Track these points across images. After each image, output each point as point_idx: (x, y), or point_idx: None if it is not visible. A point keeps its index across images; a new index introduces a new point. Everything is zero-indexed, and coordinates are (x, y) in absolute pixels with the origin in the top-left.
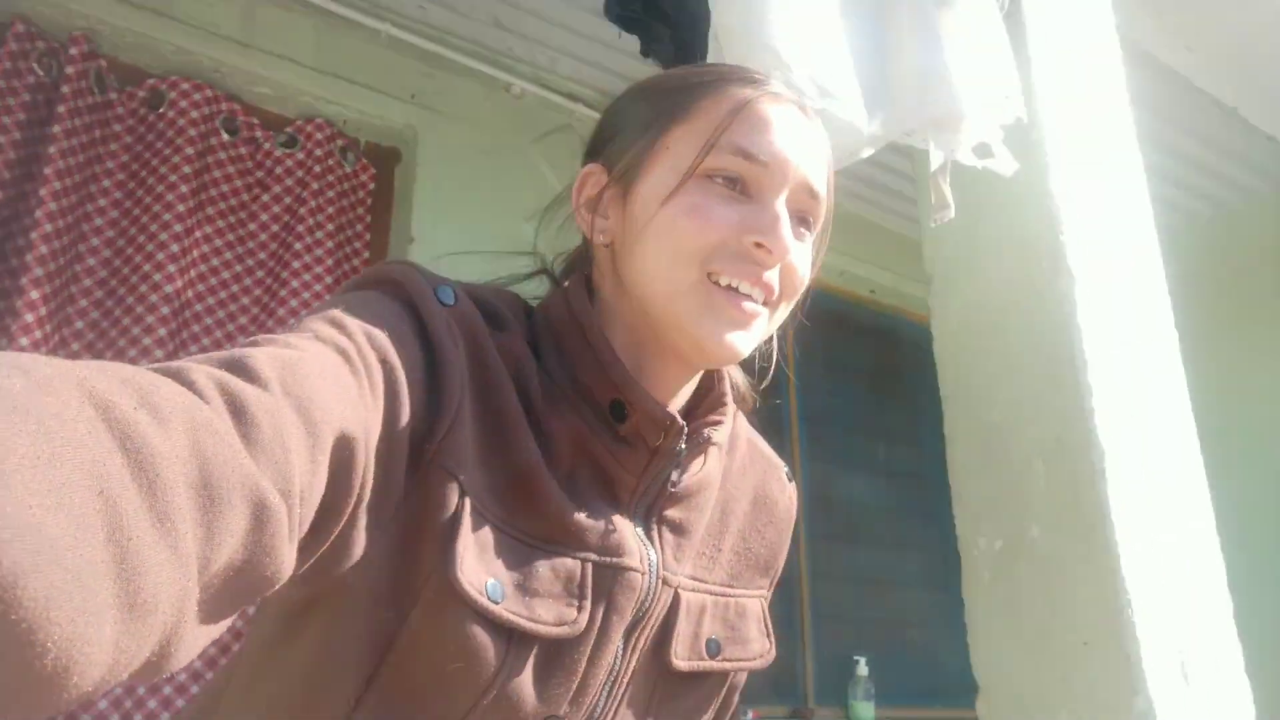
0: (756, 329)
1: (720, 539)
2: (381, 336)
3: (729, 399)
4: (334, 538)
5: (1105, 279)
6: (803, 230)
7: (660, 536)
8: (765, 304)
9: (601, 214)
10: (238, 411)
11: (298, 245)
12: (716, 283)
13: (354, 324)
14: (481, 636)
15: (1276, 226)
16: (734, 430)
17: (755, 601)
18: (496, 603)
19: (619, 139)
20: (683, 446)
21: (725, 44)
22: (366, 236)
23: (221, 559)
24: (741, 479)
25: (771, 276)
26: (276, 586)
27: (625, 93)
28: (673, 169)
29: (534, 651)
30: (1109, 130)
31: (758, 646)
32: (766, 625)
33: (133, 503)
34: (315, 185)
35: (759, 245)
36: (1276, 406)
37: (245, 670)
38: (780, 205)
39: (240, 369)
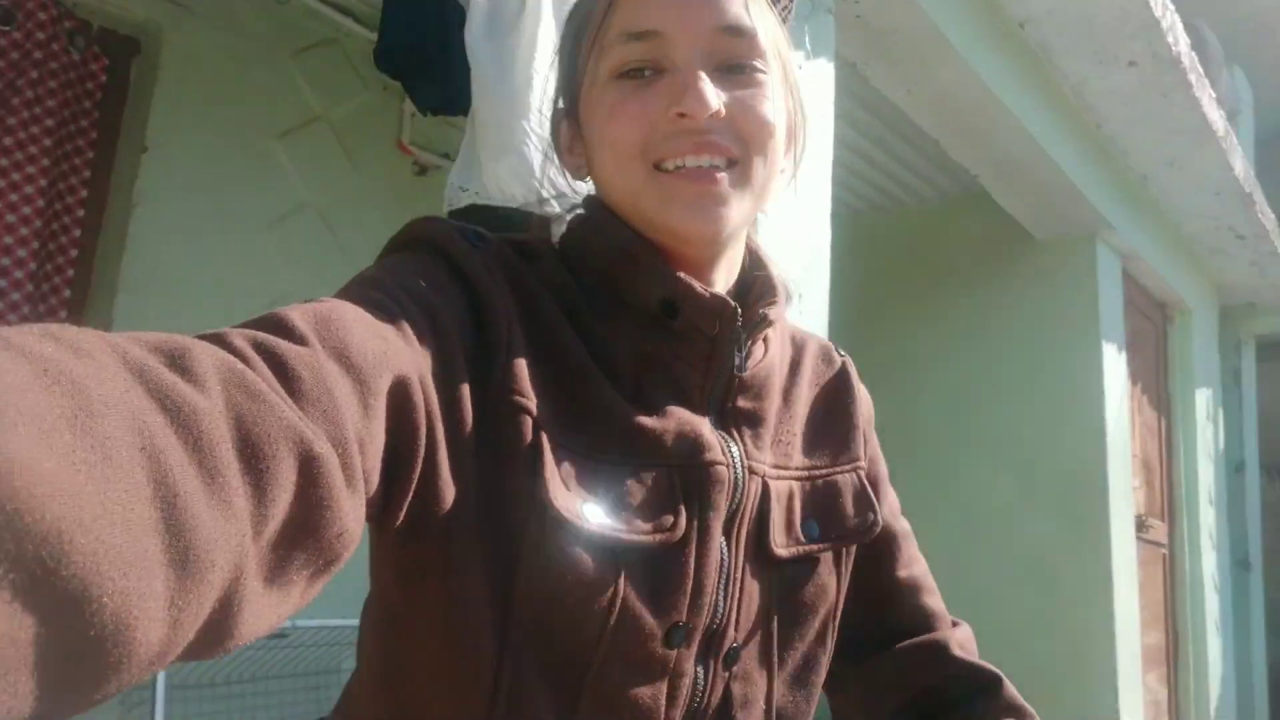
0: (729, 193)
1: (792, 424)
2: (418, 287)
3: (777, 282)
4: (416, 486)
5: None
6: (743, 74)
7: (737, 428)
8: (731, 163)
9: (575, 152)
10: (276, 366)
11: (8, 140)
12: (665, 169)
13: (388, 281)
14: (591, 561)
15: (961, 223)
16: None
17: (847, 476)
18: (596, 525)
19: (560, 80)
20: (741, 330)
21: (481, 135)
22: (93, 135)
23: (277, 514)
24: (798, 364)
25: (718, 136)
26: (350, 547)
27: None
28: (591, 83)
29: (643, 565)
30: (811, 195)
31: (858, 521)
32: (866, 497)
33: (178, 459)
34: (35, 72)
35: (681, 115)
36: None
37: (378, 647)
38: (691, 64)
39: (274, 327)
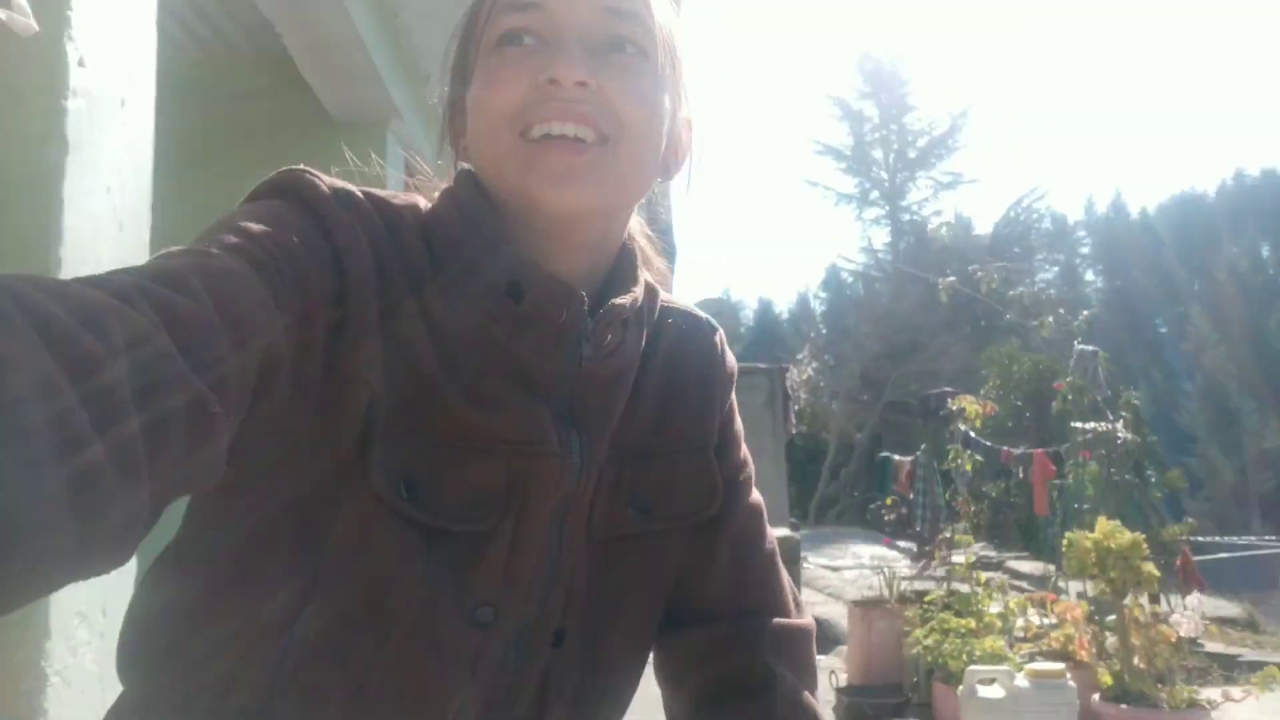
0: (591, 167)
1: (641, 405)
2: (290, 244)
3: (639, 272)
4: (255, 439)
5: (98, 146)
6: (623, 54)
7: (582, 417)
8: (603, 139)
9: (462, 132)
10: (171, 322)
11: None
12: (531, 138)
13: (263, 235)
14: (401, 537)
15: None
16: (652, 304)
17: (691, 456)
18: (411, 503)
19: (454, 69)
20: (588, 319)
21: None
22: None
23: (168, 463)
24: (657, 342)
25: (588, 108)
26: (212, 485)
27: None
28: (477, 56)
29: (454, 548)
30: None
31: (693, 502)
32: (709, 475)
33: (80, 418)
34: None
35: (551, 81)
36: None
37: (175, 594)
38: (569, 38)
39: (168, 280)
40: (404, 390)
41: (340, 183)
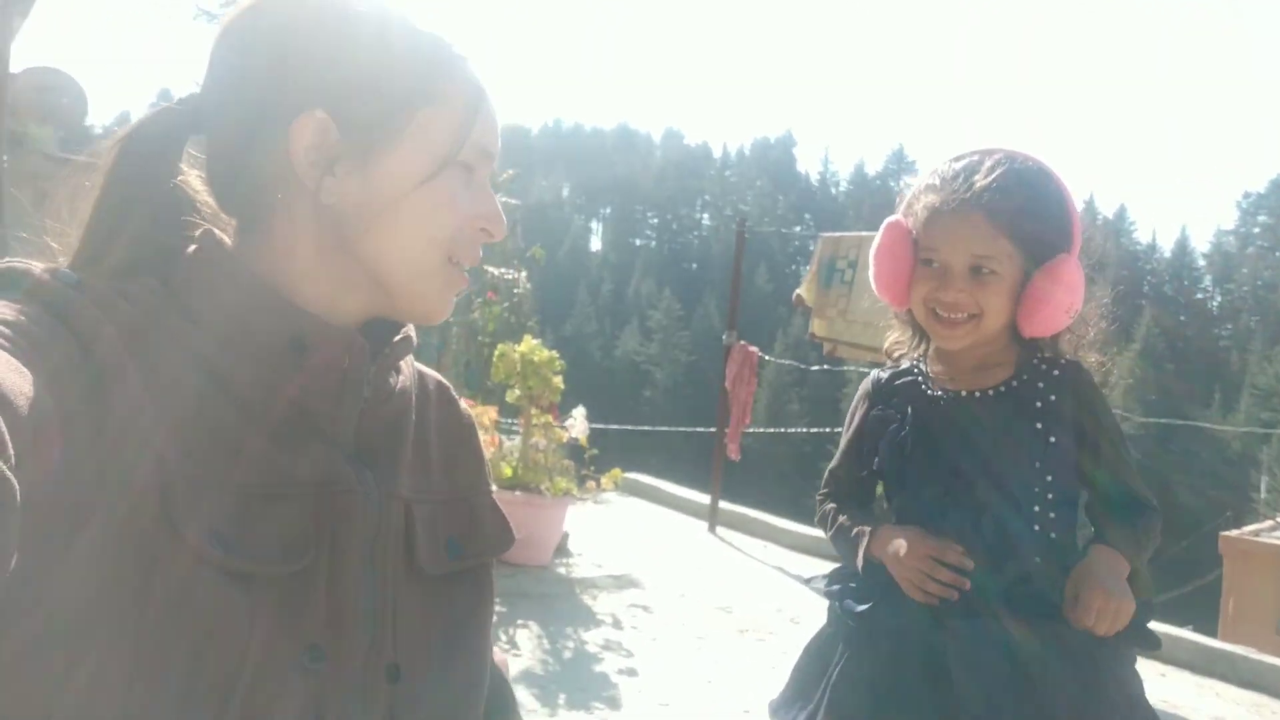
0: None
1: (428, 451)
2: (23, 326)
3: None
4: (45, 524)
5: None
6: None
7: (373, 456)
8: None
9: (330, 172)
10: None
11: None
12: (453, 263)
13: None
14: (223, 593)
15: None
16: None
17: (482, 498)
18: (225, 554)
19: (353, 96)
20: (370, 364)
21: None
22: None
23: None
24: (423, 397)
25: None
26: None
27: (331, 24)
28: (428, 154)
29: (276, 592)
30: None
31: (496, 540)
32: (500, 516)
33: None
34: None
35: (484, 230)
36: None
37: None
38: (490, 189)
39: None
40: (196, 444)
41: (56, 266)
